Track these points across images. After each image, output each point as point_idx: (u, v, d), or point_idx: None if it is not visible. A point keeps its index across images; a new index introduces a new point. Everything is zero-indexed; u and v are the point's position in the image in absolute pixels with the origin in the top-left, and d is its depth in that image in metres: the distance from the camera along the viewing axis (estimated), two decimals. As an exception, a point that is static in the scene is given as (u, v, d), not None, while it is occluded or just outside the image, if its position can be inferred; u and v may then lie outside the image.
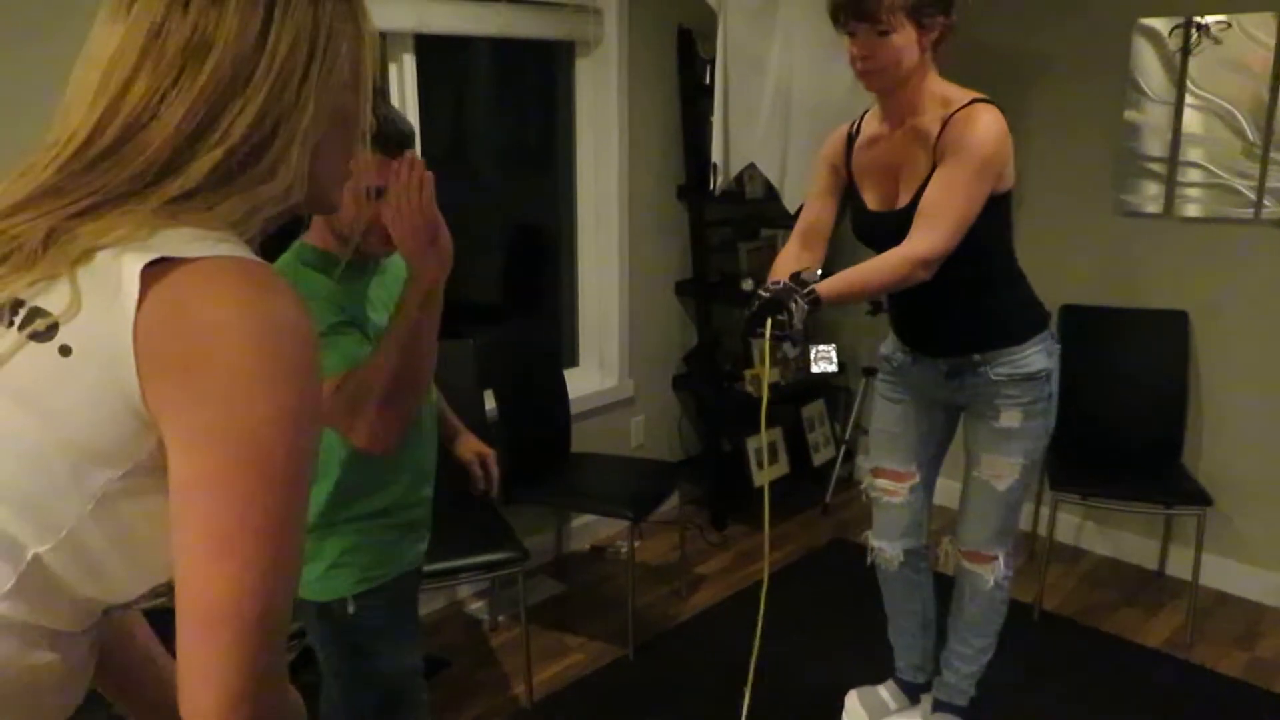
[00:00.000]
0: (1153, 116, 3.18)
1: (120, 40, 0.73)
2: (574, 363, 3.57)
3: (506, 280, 3.50)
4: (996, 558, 2.07)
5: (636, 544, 3.51)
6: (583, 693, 2.69)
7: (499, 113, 3.37)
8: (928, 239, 1.84)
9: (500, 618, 3.05)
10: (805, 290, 1.82)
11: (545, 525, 3.38)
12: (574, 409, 3.27)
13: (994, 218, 1.92)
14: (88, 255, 0.71)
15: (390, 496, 1.64)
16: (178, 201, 0.73)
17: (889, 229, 1.95)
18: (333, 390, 1.42)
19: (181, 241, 0.71)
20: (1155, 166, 3.20)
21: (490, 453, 1.94)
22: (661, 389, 3.72)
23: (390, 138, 1.48)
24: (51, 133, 0.75)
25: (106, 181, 0.72)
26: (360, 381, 1.41)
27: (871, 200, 2.05)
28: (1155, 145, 3.19)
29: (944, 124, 1.87)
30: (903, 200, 1.97)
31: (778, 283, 1.84)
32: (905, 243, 1.88)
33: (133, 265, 0.69)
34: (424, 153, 2.93)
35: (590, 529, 3.55)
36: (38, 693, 0.79)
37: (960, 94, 1.90)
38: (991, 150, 1.83)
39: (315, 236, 1.59)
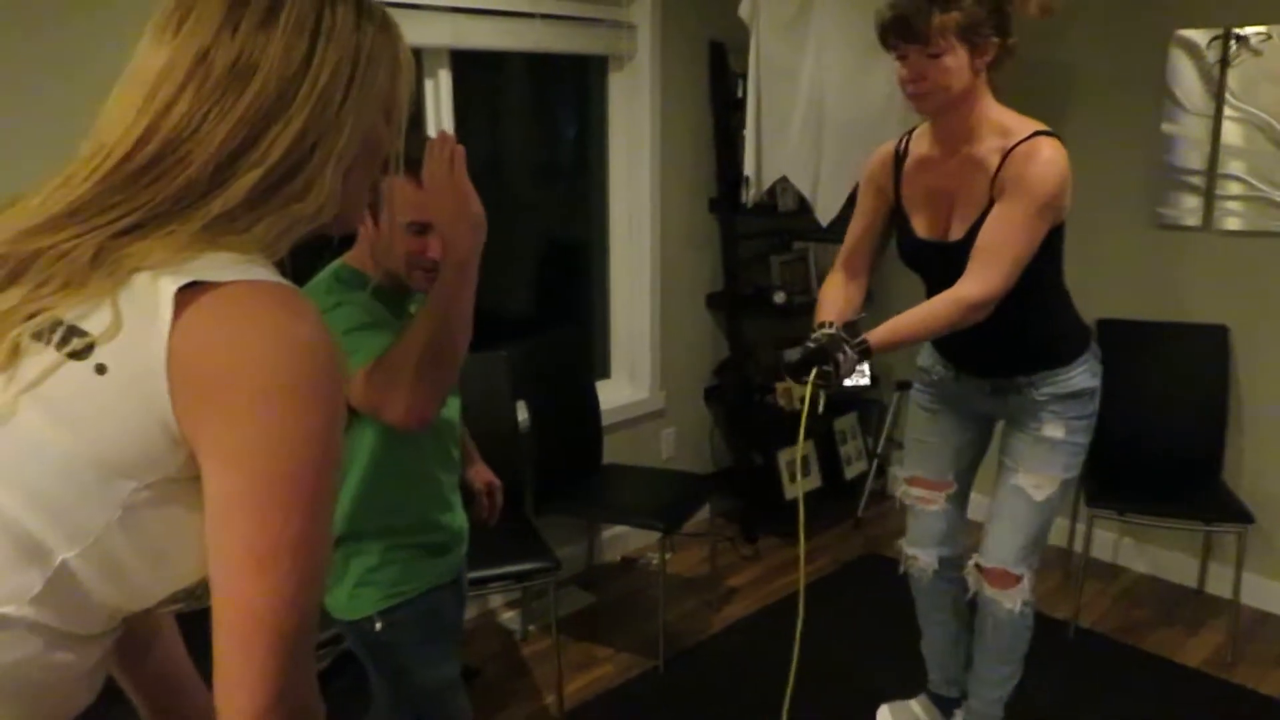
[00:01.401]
0: (1191, 129, 3.14)
1: (166, 60, 0.76)
2: (605, 374, 3.59)
3: (539, 292, 3.53)
4: (1022, 578, 2.04)
5: (668, 556, 3.51)
6: (612, 704, 2.69)
7: (533, 127, 3.40)
8: (984, 282, 1.80)
9: (531, 628, 3.07)
10: (857, 341, 1.80)
11: (576, 536, 3.39)
12: (605, 420, 3.28)
13: (1049, 249, 1.88)
14: (128, 277, 0.73)
15: (411, 515, 1.66)
16: (219, 221, 0.75)
17: (941, 260, 1.92)
18: (364, 378, 1.41)
19: (217, 266, 0.74)
20: (1194, 179, 3.17)
21: (499, 485, 1.99)
22: (693, 401, 3.72)
23: None
24: (88, 145, 0.77)
25: (149, 199, 0.74)
26: (395, 357, 1.40)
27: (921, 226, 2.00)
28: (1194, 158, 3.16)
29: (1004, 156, 1.81)
30: (956, 232, 1.92)
31: (828, 325, 1.84)
32: (960, 285, 1.83)
33: (168, 289, 0.72)
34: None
35: (621, 540, 3.55)
36: (50, 691, 0.81)
37: (1021, 124, 1.84)
38: (1054, 189, 1.77)
39: (356, 260, 1.59)
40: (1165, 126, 3.18)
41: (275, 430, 0.71)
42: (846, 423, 4.00)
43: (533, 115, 3.39)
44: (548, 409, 3.02)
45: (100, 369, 0.72)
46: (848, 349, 1.79)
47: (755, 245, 3.73)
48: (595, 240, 3.52)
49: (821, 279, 3.83)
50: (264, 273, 0.76)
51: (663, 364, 3.57)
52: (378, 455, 1.60)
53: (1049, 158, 1.78)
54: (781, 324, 3.81)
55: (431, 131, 2.86)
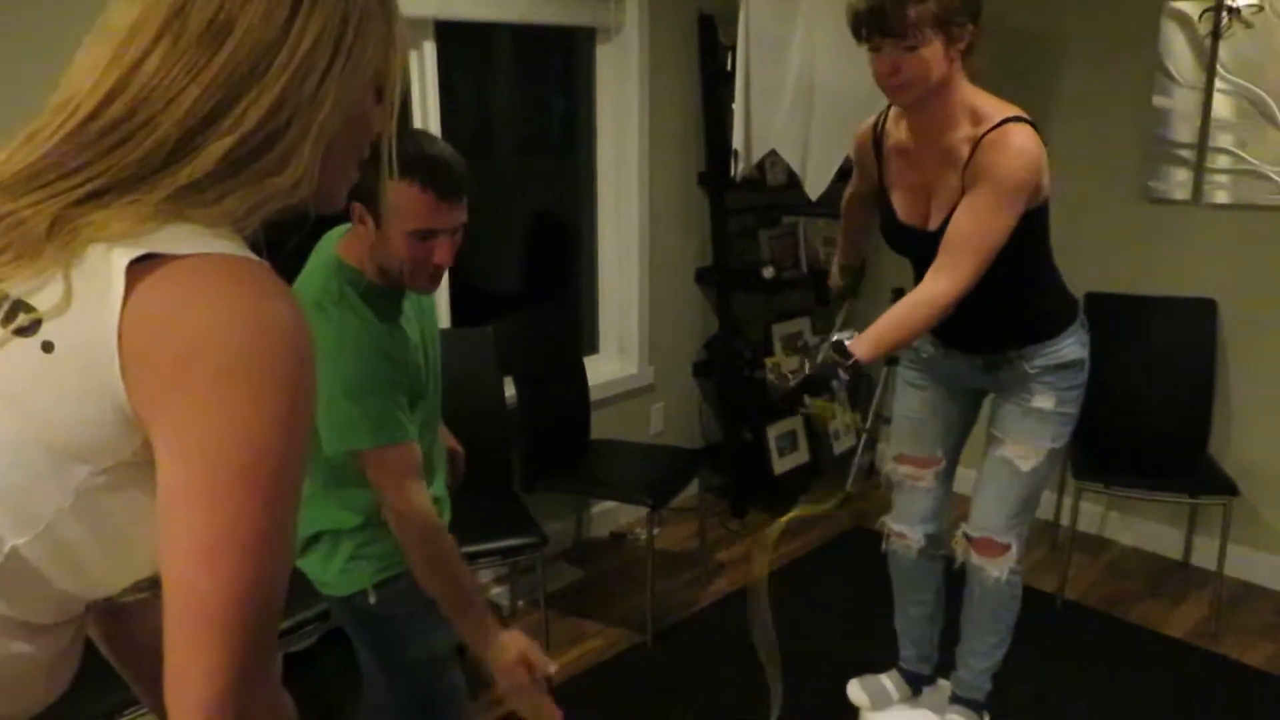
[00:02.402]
0: (1182, 102, 3.13)
1: (140, 13, 0.71)
2: (594, 350, 3.57)
3: (527, 267, 3.50)
4: (1009, 547, 2.04)
5: (656, 531, 3.51)
6: (600, 678, 2.70)
7: (520, 100, 3.36)
8: (952, 278, 1.81)
9: (520, 603, 3.07)
10: (849, 363, 1.82)
11: (565, 512, 3.39)
12: (594, 396, 3.27)
13: (1031, 229, 1.87)
14: (84, 249, 0.69)
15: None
16: (186, 192, 0.71)
17: (922, 248, 1.93)
18: (377, 464, 1.48)
19: (177, 238, 0.70)
20: (1184, 153, 3.16)
21: (462, 452, 1.97)
22: (681, 376, 3.71)
23: (444, 179, 1.44)
24: (56, 96, 0.73)
25: (114, 162, 0.70)
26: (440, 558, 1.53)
27: (901, 210, 2.00)
28: (1184, 131, 3.14)
29: (974, 146, 1.80)
30: (934, 221, 1.92)
31: (820, 341, 1.87)
32: (930, 282, 1.85)
33: (120, 262, 0.68)
34: (445, 140, 2.93)
35: (610, 516, 3.55)
36: (7, 685, 0.78)
37: (993, 109, 1.82)
38: (1021, 179, 1.76)
39: (353, 256, 1.54)
40: (1157, 99, 3.17)
41: (234, 415, 0.67)
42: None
43: (519, 88, 3.35)
44: (536, 385, 3.01)
45: (47, 346, 0.69)
46: (841, 373, 1.82)
47: (744, 220, 3.71)
48: (583, 215, 3.49)
49: (810, 253, 3.84)
50: (229, 246, 0.72)
51: (651, 339, 3.56)
52: None
53: (1017, 147, 1.76)
54: (771, 299, 3.80)
55: (415, 104, 2.83)
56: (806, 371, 1.85)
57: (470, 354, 2.86)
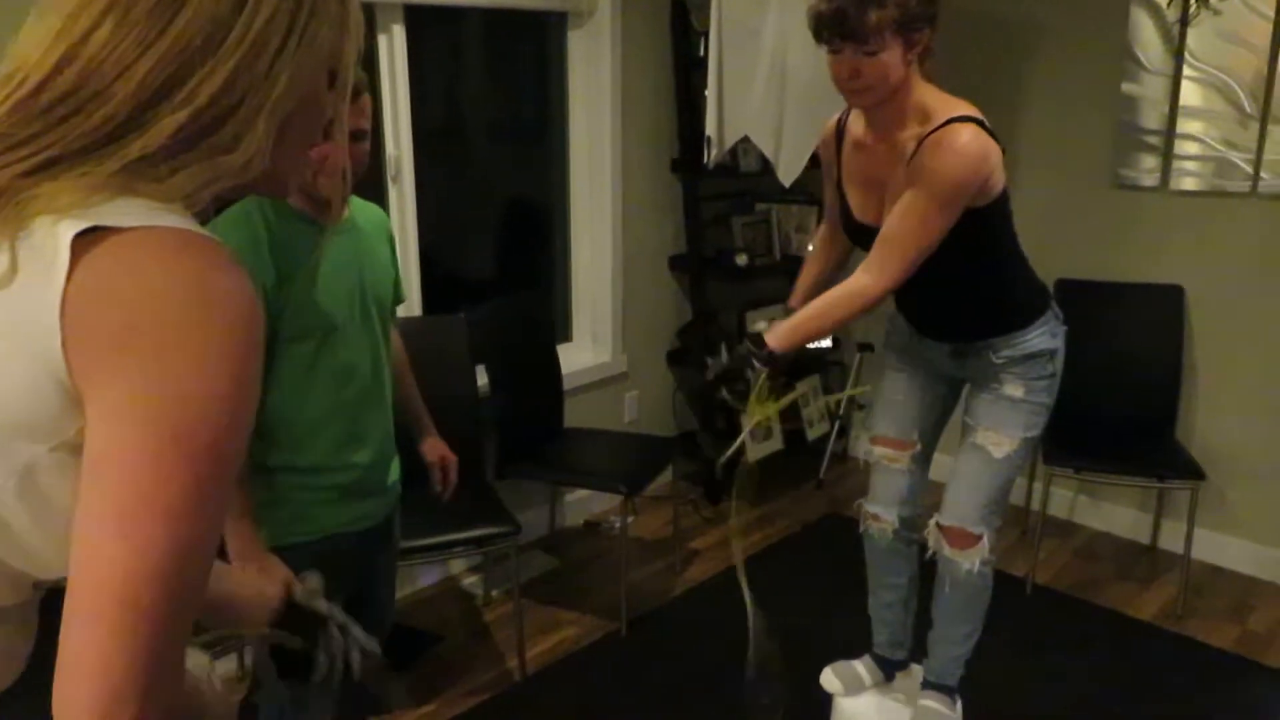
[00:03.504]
0: (1150, 89, 3.15)
1: None
2: (567, 338, 3.56)
3: (499, 255, 3.48)
4: (981, 538, 2.05)
5: (630, 519, 3.51)
6: (575, 666, 2.69)
7: (491, 85, 3.33)
8: (880, 275, 1.84)
9: (494, 592, 3.06)
10: (763, 354, 1.86)
11: (539, 500, 3.38)
12: (567, 384, 3.26)
13: (988, 224, 1.89)
14: (31, 221, 0.68)
15: (312, 457, 1.62)
16: (137, 165, 0.70)
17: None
18: None
19: (125, 211, 0.68)
20: (1152, 139, 3.18)
21: (453, 459, 1.97)
22: (655, 364, 3.71)
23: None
24: (3, 68, 0.71)
25: (64, 134, 0.69)
26: None
27: (856, 208, 2.03)
28: (1153, 118, 3.17)
29: (919, 144, 1.81)
30: (885, 218, 1.93)
31: (749, 336, 1.92)
32: (858, 275, 1.88)
33: (66, 234, 0.66)
34: (415, 126, 2.91)
35: (584, 504, 3.55)
36: None
37: (942, 107, 1.82)
38: (959, 178, 1.76)
39: None
40: (1125, 86, 3.19)
41: (173, 381, 0.64)
42: (808, 385, 4.01)
43: (490, 73, 3.32)
44: (508, 373, 2.99)
45: None
46: (755, 363, 1.86)
47: (718, 207, 3.70)
48: (556, 202, 3.47)
49: (784, 240, 3.84)
50: (178, 220, 0.70)
51: (625, 327, 3.55)
52: (282, 390, 1.57)
53: (957, 148, 1.76)
54: (744, 286, 3.80)
55: (384, 90, 2.79)
56: (724, 363, 1.88)
57: (442, 342, 2.83)
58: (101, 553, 0.63)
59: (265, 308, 1.51)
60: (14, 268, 0.67)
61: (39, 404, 0.68)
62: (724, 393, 1.92)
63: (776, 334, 1.88)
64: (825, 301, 1.90)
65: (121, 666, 0.61)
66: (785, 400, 1.98)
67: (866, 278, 1.86)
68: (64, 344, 0.66)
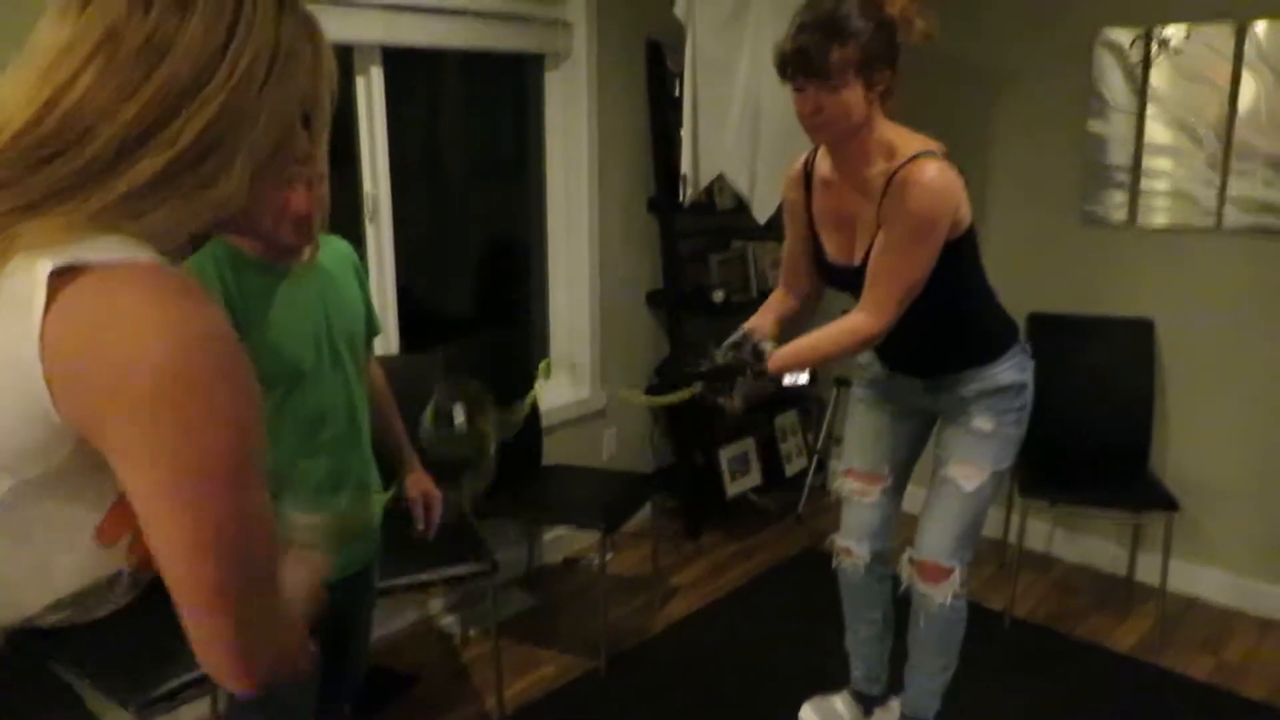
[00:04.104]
0: (1116, 127, 3.22)
1: (69, 37, 0.71)
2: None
3: (476, 291, 3.49)
4: (953, 571, 2.07)
5: (609, 556, 3.50)
6: (553, 706, 2.67)
7: (468, 125, 3.36)
8: (875, 314, 1.90)
9: (471, 631, 3.03)
10: (758, 367, 1.94)
11: (517, 538, 3.36)
12: (546, 421, 3.26)
13: (956, 258, 1.93)
14: (10, 259, 0.70)
15: (288, 503, 1.61)
16: (119, 203, 0.71)
17: (852, 283, 2.00)
18: None
19: (103, 247, 0.70)
20: (1119, 175, 3.24)
21: (438, 496, 1.96)
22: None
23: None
24: None
25: (48, 177, 0.70)
26: None
27: (830, 248, 2.06)
28: (1119, 155, 3.23)
29: (888, 181, 1.86)
30: (858, 256, 1.98)
31: (742, 340, 1.95)
32: (854, 314, 1.93)
33: (43, 271, 0.68)
34: (393, 165, 2.93)
35: (563, 542, 3.53)
36: None
37: (906, 143, 1.87)
38: (931, 213, 1.82)
39: (232, 236, 1.56)
40: (1091, 124, 3.26)
41: (181, 429, 0.68)
42: (787, 420, 4.03)
43: (468, 113, 3.35)
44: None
45: None
46: (749, 371, 1.94)
47: (694, 243, 3.73)
48: (533, 239, 3.49)
49: (760, 277, 3.88)
50: (153, 256, 0.73)
51: (603, 363, 3.56)
52: None
53: (925, 182, 1.81)
54: (721, 322, 3.80)
55: (363, 129, 2.81)
56: (717, 362, 1.95)
57: (419, 378, 2.83)
58: (181, 576, 0.73)
59: None
60: None
61: (25, 436, 0.70)
62: (700, 386, 1.97)
63: (776, 356, 1.95)
64: (823, 335, 1.95)
65: (229, 638, 0.75)
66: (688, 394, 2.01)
67: (864, 316, 1.90)
68: (48, 380, 0.68)
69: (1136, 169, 3.21)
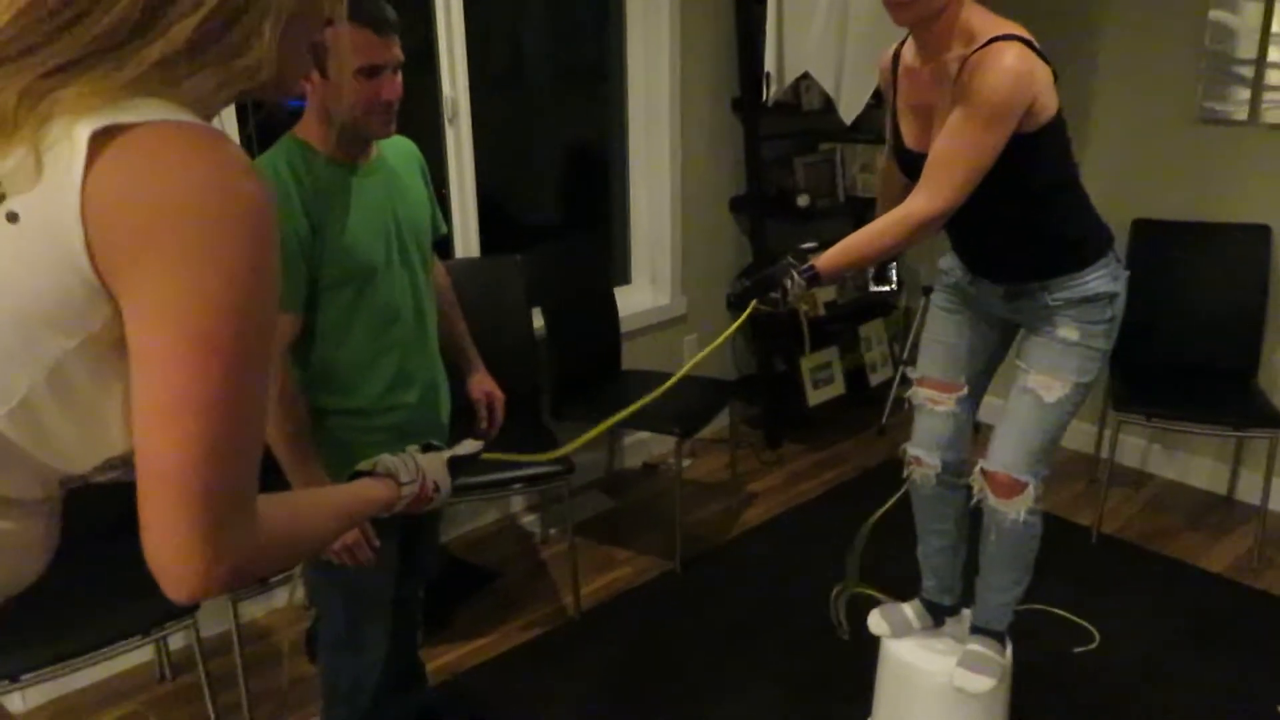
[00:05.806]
0: (1243, 15, 2.97)
1: None
2: (626, 280, 3.55)
3: (557, 197, 3.48)
4: (1027, 485, 2.00)
5: (687, 462, 3.53)
6: (628, 604, 2.74)
7: (548, 28, 3.30)
8: (931, 198, 1.78)
9: (551, 531, 3.11)
10: (804, 267, 1.84)
11: (598, 443, 3.41)
12: (626, 327, 3.26)
13: (1041, 152, 1.82)
14: (49, 122, 0.70)
15: (361, 399, 1.65)
16: (155, 70, 0.72)
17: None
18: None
19: (142, 110, 0.71)
20: (1242, 69, 3.00)
21: (500, 397, 1.97)
22: (715, 307, 3.68)
23: (379, 17, 1.49)
24: None
25: (75, 40, 0.71)
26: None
27: (909, 137, 1.97)
28: (1244, 46, 2.98)
29: (962, 65, 1.76)
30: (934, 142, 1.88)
31: (798, 253, 1.89)
32: (910, 200, 1.82)
33: (83, 132, 0.69)
34: (473, 71, 2.90)
35: (644, 446, 3.57)
36: None
37: (985, 27, 1.76)
38: (1003, 98, 1.71)
39: (307, 130, 1.58)
40: (1213, 13, 3.01)
41: (196, 282, 0.69)
42: (871, 329, 3.94)
43: (548, 16, 3.29)
44: (565, 315, 3.01)
45: (11, 217, 0.70)
46: (795, 274, 1.84)
47: (779, 146, 3.63)
48: (614, 143, 3.44)
49: (848, 181, 3.75)
50: (194, 118, 0.73)
51: (684, 269, 3.52)
52: (325, 336, 1.60)
53: (1002, 66, 1.70)
54: (806, 228, 3.73)
55: (440, 32, 2.79)
56: (765, 273, 1.88)
57: (499, 283, 2.86)
58: (150, 444, 0.71)
59: (302, 257, 1.54)
60: (39, 169, 0.70)
61: (65, 298, 0.71)
62: (754, 301, 1.92)
63: (825, 256, 1.86)
64: (875, 227, 1.86)
65: (184, 533, 0.72)
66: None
67: (917, 200, 1.81)
68: (87, 240, 0.69)
69: (1262, 61, 2.96)
